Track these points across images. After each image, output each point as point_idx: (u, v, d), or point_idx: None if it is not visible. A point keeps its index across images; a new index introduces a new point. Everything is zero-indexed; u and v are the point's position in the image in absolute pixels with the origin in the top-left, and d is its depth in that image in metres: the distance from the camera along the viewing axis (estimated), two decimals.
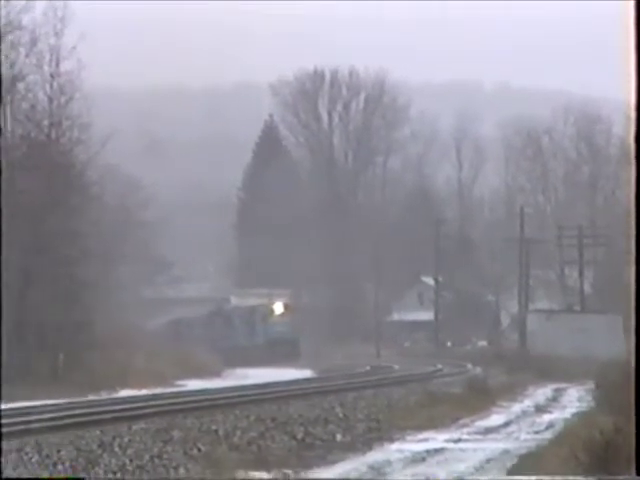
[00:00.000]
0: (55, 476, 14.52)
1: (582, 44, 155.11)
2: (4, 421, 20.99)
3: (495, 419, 27.35)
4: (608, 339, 56.66)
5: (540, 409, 31.21)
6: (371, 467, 17.28)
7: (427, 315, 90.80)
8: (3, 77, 41.82)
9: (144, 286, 78.65)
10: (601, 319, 65.85)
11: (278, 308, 78.76)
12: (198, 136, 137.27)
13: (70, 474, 15.75)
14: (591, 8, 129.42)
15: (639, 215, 9.28)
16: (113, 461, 17.02)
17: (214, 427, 22.26)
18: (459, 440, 21.84)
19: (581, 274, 78.07)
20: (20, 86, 44.50)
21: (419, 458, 18.55)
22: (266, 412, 25.95)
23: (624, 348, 38.37)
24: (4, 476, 14.46)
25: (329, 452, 19.32)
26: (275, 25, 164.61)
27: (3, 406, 27.25)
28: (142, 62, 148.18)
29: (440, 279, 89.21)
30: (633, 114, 9.50)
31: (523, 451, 19.17)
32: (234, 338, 76.90)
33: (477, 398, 32.15)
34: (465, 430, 24.12)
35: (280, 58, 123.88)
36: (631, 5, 9.47)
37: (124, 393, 38.53)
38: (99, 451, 18.16)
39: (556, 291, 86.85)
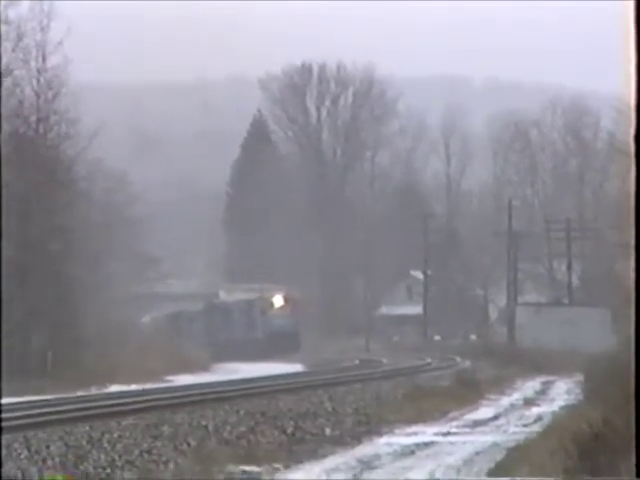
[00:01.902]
0: (57, 476, 14.50)
1: (571, 38, 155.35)
2: None
3: (484, 412, 27.41)
4: (596, 332, 56.80)
5: (528, 402, 31.28)
6: (360, 461, 17.31)
7: (416, 309, 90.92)
8: None
9: (133, 282, 78.54)
10: (589, 312, 66.02)
11: (277, 301, 78.32)
12: (187, 131, 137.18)
13: (59, 470, 15.74)
14: (580, 2, 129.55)
15: (639, 212, 9.36)
16: (102, 457, 17.01)
17: (204, 422, 22.26)
18: (448, 433, 21.89)
19: (569, 267, 78.25)
20: (7, 81, 44.37)
21: (408, 451, 18.58)
22: (256, 407, 25.96)
23: (612, 341, 38.47)
24: (4, 476, 14.44)
25: (319, 446, 19.34)
26: (264, 19, 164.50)
27: None
28: (130, 56, 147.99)
29: (429, 273, 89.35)
30: (633, 114, 9.57)
31: (512, 444, 19.22)
32: (233, 331, 76.76)
33: (466, 391, 32.22)
34: (454, 423, 24.17)
35: (269, 52, 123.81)
36: (631, 5, 9.50)
37: (113, 389, 38.50)
38: (88, 447, 18.14)
39: (544, 284, 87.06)
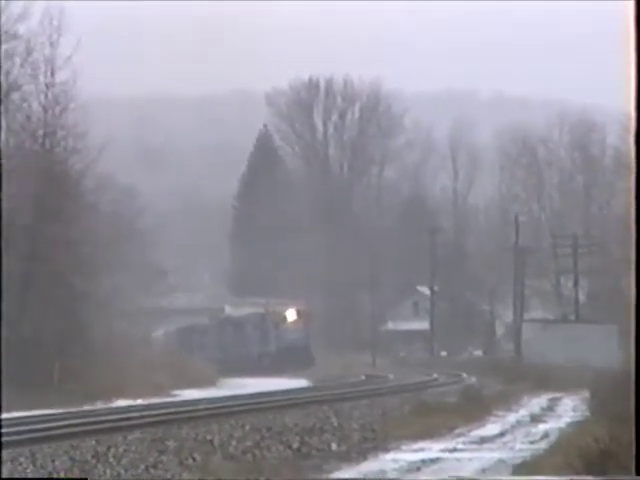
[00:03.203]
0: (56, 476, 14.51)
1: (578, 52, 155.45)
2: None
3: (490, 428, 27.34)
4: (603, 348, 56.69)
5: (535, 418, 31.21)
6: (366, 477, 17.27)
7: (422, 324, 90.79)
8: None
9: (140, 295, 78.58)
10: (596, 328, 65.92)
11: (290, 315, 77.59)
12: (194, 144, 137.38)
13: None
14: (587, 17, 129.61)
15: (639, 220, 9.35)
16: (108, 471, 17.00)
17: (209, 437, 22.24)
18: (454, 450, 21.83)
19: (576, 283, 78.14)
20: (15, 96, 44.52)
21: (414, 468, 18.54)
22: (261, 421, 25.94)
23: (619, 357, 38.38)
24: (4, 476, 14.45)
25: (325, 462, 19.31)
26: (271, 34, 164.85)
27: None
28: (138, 70, 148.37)
29: (435, 288, 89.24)
30: (633, 114, 9.57)
31: (518, 460, 19.17)
32: (246, 346, 76.36)
33: (472, 407, 32.14)
34: (460, 439, 24.11)
35: (276, 67, 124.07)
36: (631, 5, 9.52)
37: (119, 403, 38.47)
38: (94, 461, 18.13)
39: (551, 300, 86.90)
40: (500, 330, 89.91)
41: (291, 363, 71.74)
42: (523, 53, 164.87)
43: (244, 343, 76.78)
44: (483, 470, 18.14)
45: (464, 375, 58.19)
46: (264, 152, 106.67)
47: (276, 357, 74.19)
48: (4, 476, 14.74)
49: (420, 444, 22.81)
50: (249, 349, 75.74)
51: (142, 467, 17.51)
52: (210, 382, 56.64)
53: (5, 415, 28.66)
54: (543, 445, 22.39)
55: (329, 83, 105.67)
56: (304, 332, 76.45)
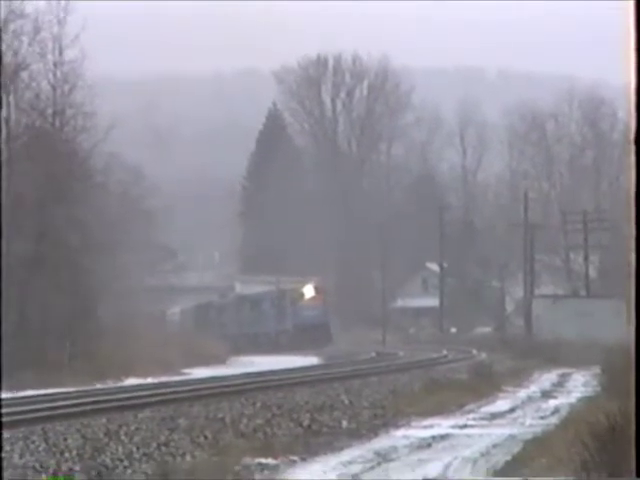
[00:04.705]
0: (52, 477, 14.55)
1: (586, 27, 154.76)
2: (10, 410, 21.05)
3: (501, 404, 27.37)
4: (614, 324, 56.59)
5: (546, 394, 31.23)
6: (377, 453, 17.31)
7: (432, 301, 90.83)
8: (7, 66, 41.87)
9: (149, 274, 78.72)
10: (607, 304, 65.78)
11: (308, 291, 77.00)
12: (203, 123, 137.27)
13: (77, 462, 15.80)
14: None
15: (639, 204, 9.36)
16: (120, 449, 17.06)
17: (220, 415, 22.30)
18: (465, 426, 21.86)
19: (586, 259, 78.02)
20: (24, 75, 44.56)
21: (425, 444, 18.56)
22: (272, 399, 26.00)
23: (629, 332, 38.30)
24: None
25: (335, 439, 19.35)
26: (279, 12, 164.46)
27: (9, 395, 27.34)
28: (145, 50, 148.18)
29: (445, 265, 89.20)
30: (633, 113, 9.54)
31: (529, 436, 19.18)
32: (263, 323, 76.14)
33: (482, 384, 32.16)
34: (471, 416, 24.13)
35: (284, 45, 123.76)
36: (631, 5, 9.46)
37: (130, 381, 38.60)
38: (106, 439, 18.20)
39: (561, 276, 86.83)
40: (510, 306, 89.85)
41: (309, 341, 71.45)
42: (531, 30, 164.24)
43: (261, 321, 76.56)
44: (494, 446, 18.16)
45: (474, 351, 58.21)
46: (273, 130, 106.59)
47: (293, 335, 73.94)
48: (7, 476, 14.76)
49: (430, 421, 22.84)
50: (266, 327, 75.54)
51: (154, 445, 17.57)
52: (220, 360, 56.74)
53: (17, 394, 28.80)
54: (554, 420, 22.40)
55: (337, 60, 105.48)
56: (322, 309, 75.91)
